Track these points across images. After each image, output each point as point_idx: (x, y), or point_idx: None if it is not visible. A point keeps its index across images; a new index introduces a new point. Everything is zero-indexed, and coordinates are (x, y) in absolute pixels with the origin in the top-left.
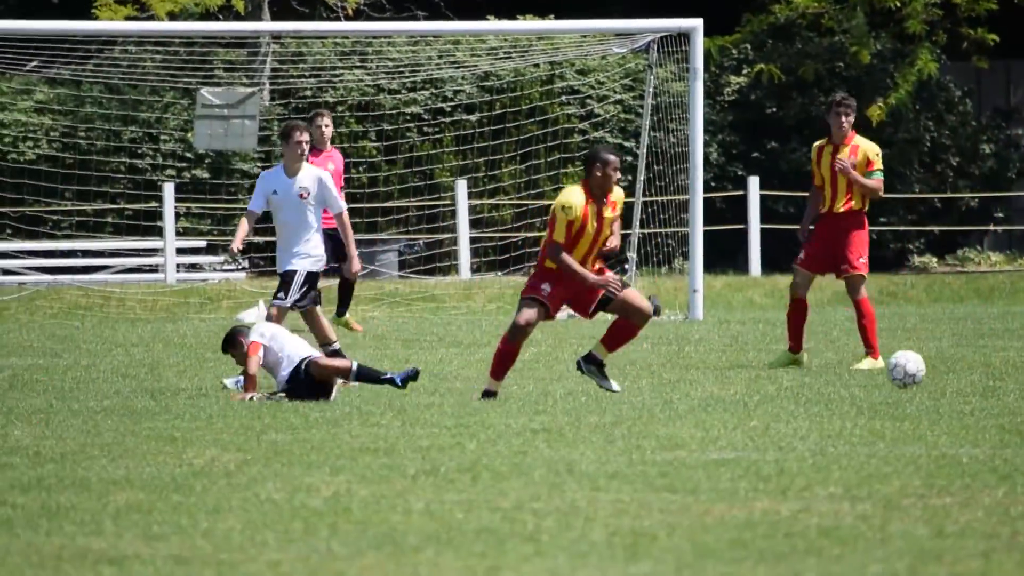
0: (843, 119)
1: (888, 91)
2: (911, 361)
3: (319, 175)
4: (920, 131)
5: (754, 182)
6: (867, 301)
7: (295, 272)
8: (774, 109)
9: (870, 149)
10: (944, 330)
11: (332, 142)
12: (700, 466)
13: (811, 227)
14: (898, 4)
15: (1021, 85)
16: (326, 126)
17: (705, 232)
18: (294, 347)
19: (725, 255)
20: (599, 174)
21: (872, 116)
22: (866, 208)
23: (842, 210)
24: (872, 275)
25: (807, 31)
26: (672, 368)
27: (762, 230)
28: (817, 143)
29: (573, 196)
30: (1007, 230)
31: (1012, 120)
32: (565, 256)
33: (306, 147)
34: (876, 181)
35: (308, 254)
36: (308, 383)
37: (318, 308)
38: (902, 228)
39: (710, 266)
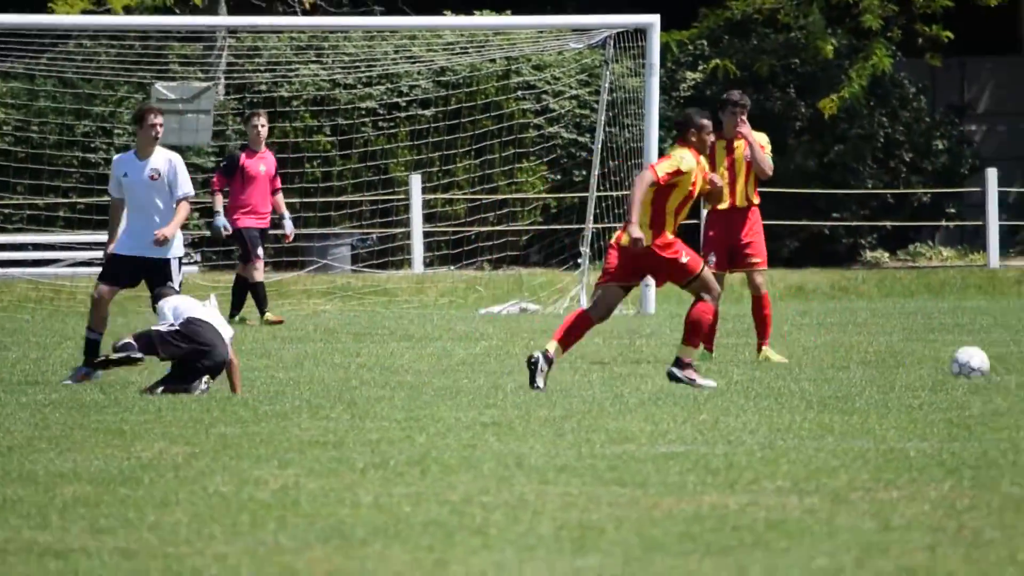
0: (738, 118)
1: (842, 87)
2: (974, 357)
3: (170, 157)
4: (874, 127)
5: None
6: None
7: (169, 260)
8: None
9: (761, 138)
10: (895, 325)
11: (286, 137)
12: (649, 460)
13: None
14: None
15: (975, 82)
16: (262, 126)
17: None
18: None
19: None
20: (694, 139)
21: (824, 109)
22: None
23: (742, 205)
24: (824, 270)
25: (763, 27)
26: (623, 362)
27: None
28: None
29: (687, 155)
30: (959, 225)
31: (965, 116)
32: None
33: (159, 130)
34: (770, 163)
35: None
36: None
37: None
38: (854, 223)
39: None
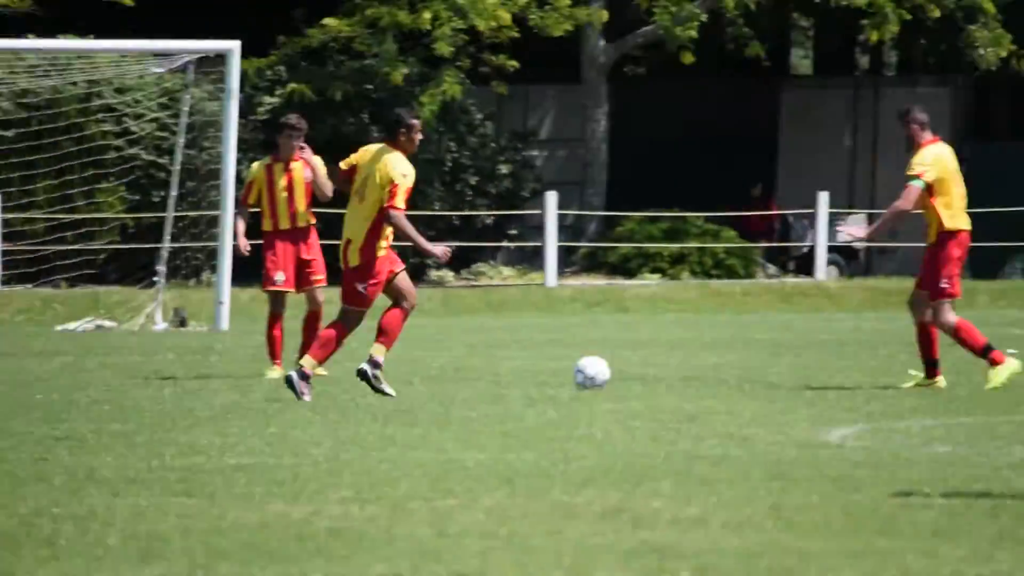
0: (294, 141)
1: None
2: (590, 365)
3: None
4: (442, 151)
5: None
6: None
7: None
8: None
9: (318, 161)
10: (457, 341)
11: None
12: (218, 471)
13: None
14: (428, 27)
15: (537, 110)
16: None
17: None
18: None
19: (256, 268)
20: (403, 138)
21: None
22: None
23: (302, 225)
24: None
25: (339, 54)
26: (195, 377)
27: None
28: (262, 162)
29: (405, 163)
30: (519, 246)
31: (528, 142)
32: (404, 219)
33: None
34: (328, 182)
35: None
36: None
37: None
38: None
39: (238, 279)
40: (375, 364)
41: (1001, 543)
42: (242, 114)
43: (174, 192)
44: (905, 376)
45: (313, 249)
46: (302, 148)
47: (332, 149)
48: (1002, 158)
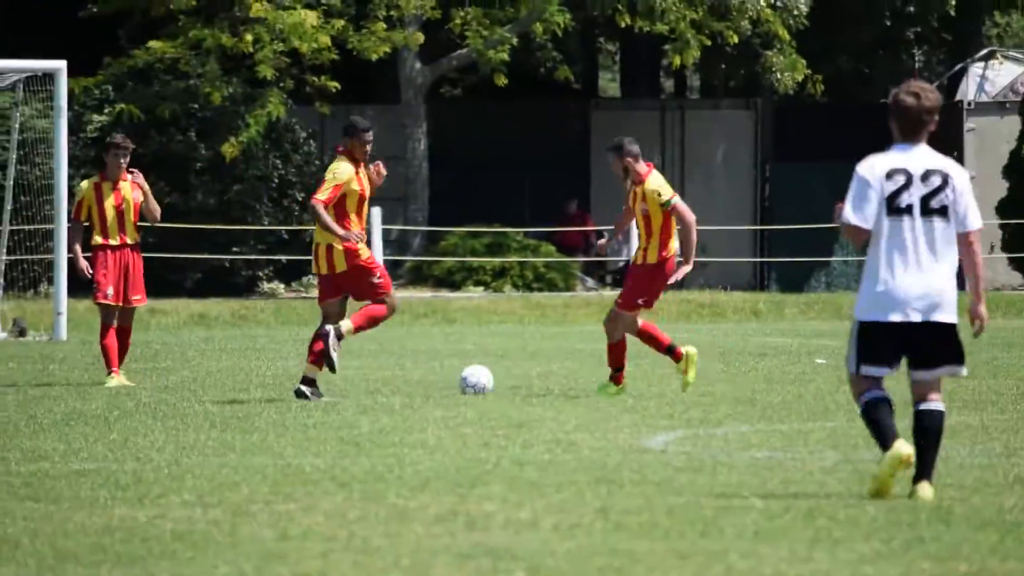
0: (121, 160)
1: (240, 131)
2: (473, 374)
3: None
4: (269, 168)
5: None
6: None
7: None
8: (134, 146)
9: (140, 178)
10: (290, 351)
11: None
12: (62, 476)
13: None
14: (250, 50)
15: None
16: None
17: (70, 258)
18: None
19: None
20: (354, 144)
21: (226, 152)
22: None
23: (130, 242)
24: (225, 300)
25: (165, 74)
26: (37, 385)
27: None
28: (91, 180)
29: (343, 165)
30: None
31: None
32: (322, 209)
33: None
34: (156, 206)
35: None
36: None
37: None
38: (253, 257)
39: (76, 290)
40: (339, 335)
41: (818, 544)
42: (72, 131)
43: (8, 206)
44: (717, 382)
45: (137, 267)
46: (132, 173)
47: (161, 166)
48: (802, 178)
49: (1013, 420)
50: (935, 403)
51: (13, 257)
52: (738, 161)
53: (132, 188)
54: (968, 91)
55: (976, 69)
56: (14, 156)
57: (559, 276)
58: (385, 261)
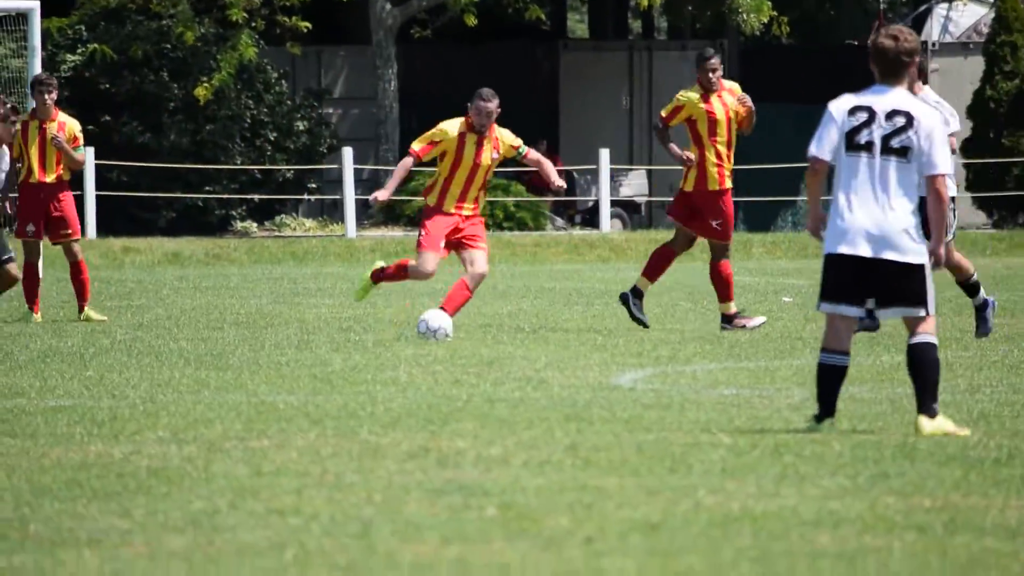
0: (46, 96)
1: (212, 72)
2: (433, 318)
3: None
4: (241, 109)
5: (90, 152)
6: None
7: None
8: (107, 86)
9: (75, 126)
10: (264, 289)
11: None
12: (39, 413)
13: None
14: None
15: (331, 69)
16: None
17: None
18: None
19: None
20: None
21: (200, 96)
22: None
23: (50, 181)
24: (199, 239)
25: (137, 15)
26: (12, 322)
27: (98, 196)
28: (20, 116)
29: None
30: (319, 199)
31: (323, 100)
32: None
33: None
34: (82, 156)
35: None
36: None
37: None
38: (225, 196)
39: None
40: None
41: (785, 480)
42: (46, 71)
43: None
44: (686, 321)
45: (63, 204)
46: (54, 139)
47: (134, 104)
48: (768, 118)
49: (976, 358)
50: (921, 336)
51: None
52: None
53: (57, 127)
54: (932, 32)
55: (940, 10)
56: None
57: (528, 215)
58: (357, 201)
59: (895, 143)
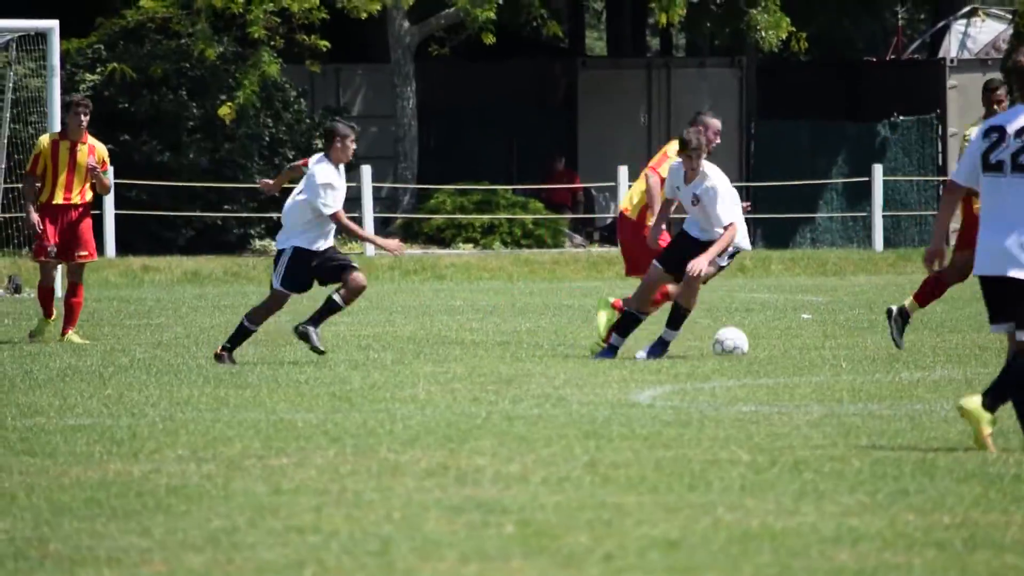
0: (81, 118)
1: (233, 91)
2: (729, 338)
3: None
4: (260, 127)
5: (110, 171)
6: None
7: None
8: (126, 105)
9: (103, 150)
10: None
11: None
12: (58, 431)
13: None
14: (240, 11)
15: (349, 87)
16: None
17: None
18: None
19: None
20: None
21: (224, 115)
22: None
23: (76, 202)
24: (217, 257)
25: (155, 34)
26: (34, 342)
27: (118, 215)
28: (50, 135)
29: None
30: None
31: (341, 118)
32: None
33: None
34: (108, 180)
35: None
36: None
37: None
38: (244, 215)
39: None
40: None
41: (804, 497)
42: (65, 91)
43: (3, 164)
44: (704, 338)
45: (82, 226)
46: (93, 169)
47: (153, 123)
48: (786, 135)
49: (995, 375)
50: None
51: (7, 215)
52: (723, 118)
53: (87, 152)
54: (950, 48)
55: (958, 26)
56: (8, 115)
57: (547, 233)
58: (375, 219)
59: None
